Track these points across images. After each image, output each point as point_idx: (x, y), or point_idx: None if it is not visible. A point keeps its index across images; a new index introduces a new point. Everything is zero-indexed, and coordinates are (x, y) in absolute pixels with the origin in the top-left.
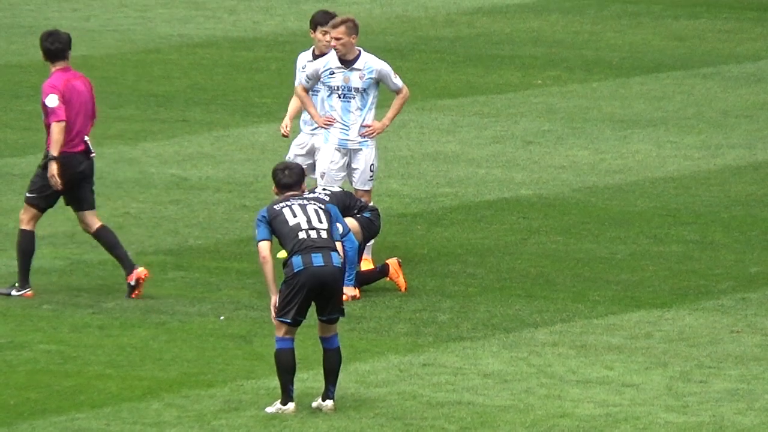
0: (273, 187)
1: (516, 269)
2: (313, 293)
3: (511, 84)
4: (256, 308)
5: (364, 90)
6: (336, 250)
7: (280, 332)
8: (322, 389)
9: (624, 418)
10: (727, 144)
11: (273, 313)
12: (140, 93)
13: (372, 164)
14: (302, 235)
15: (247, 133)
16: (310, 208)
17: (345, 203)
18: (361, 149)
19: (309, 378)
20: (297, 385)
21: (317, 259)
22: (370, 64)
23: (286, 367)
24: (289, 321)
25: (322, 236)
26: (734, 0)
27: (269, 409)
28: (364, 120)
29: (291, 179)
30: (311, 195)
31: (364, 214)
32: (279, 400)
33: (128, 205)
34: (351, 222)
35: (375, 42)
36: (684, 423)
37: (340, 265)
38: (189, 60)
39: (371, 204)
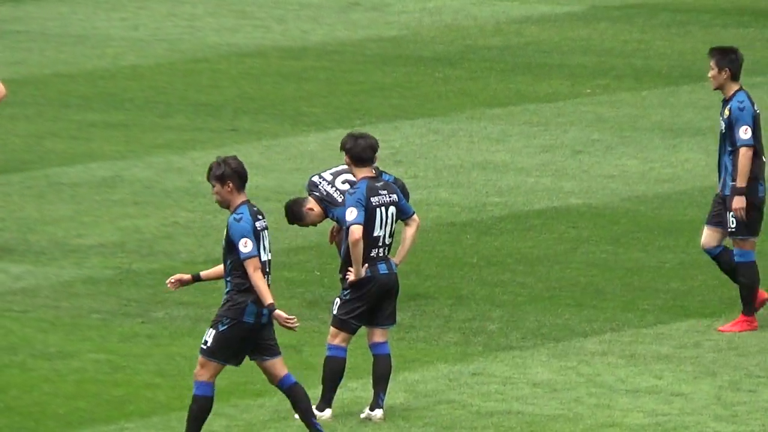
0: (347, 157)
1: (565, 278)
2: (377, 300)
3: (561, 93)
4: (305, 317)
5: None
6: (391, 258)
7: (336, 339)
8: (371, 398)
9: (673, 428)
10: None
11: (348, 284)
12: (189, 102)
13: None
14: (374, 253)
15: (296, 143)
16: (389, 213)
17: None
18: None
19: (358, 387)
20: (346, 395)
21: (382, 267)
22: None
23: (334, 374)
24: (348, 325)
25: (386, 252)
26: None
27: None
28: None
29: (368, 152)
30: (388, 186)
31: None
32: (314, 406)
33: (177, 214)
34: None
35: (424, 51)
36: None
37: (397, 271)
38: (238, 69)
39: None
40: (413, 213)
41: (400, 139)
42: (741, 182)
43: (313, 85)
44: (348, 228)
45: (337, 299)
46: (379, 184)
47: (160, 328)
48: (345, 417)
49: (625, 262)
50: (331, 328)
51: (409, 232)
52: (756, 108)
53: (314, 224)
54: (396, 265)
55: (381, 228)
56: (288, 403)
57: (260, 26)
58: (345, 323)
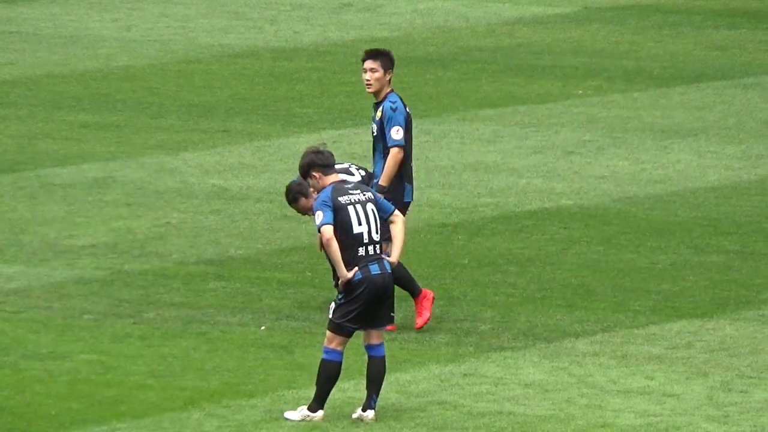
0: (314, 174)
1: (557, 279)
2: (371, 302)
3: (552, 94)
4: (297, 318)
5: None
6: (384, 258)
7: (332, 343)
8: (364, 399)
9: (665, 428)
10: None
11: (340, 288)
12: (181, 103)
13: None
14: (362, 251)
15: (288, 143)
16: (369, 210)
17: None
18: None
19: (350, 388)
20: (338, 395)
21: (374, 268)
22: None
23: (328, 378)
24: (345, 328)
25: (377, 250)
26: None
27: (292, 415)
28: None
29: (330, 159)
30: (360, 186)
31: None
32: (305, 406)
33: (169, 215)
34: None
35: (416, 52)
36: None
37: (391, 271)
38: (230, 70)
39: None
40: (394, 209)
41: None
42: (384, 181)
43: (305, 86)
44: (320, 232)
45: (333, 303)
46: (348, 186)
47: (152, 329)
48: (337, 418)
49: (617, 262)
50: (328, 332)
51: (396, 228)
52: (408, 110)
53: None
54: (391, 264)
55: (361, 224)
56: (281, 404)
57: (252, 27)
58: (341, 327)
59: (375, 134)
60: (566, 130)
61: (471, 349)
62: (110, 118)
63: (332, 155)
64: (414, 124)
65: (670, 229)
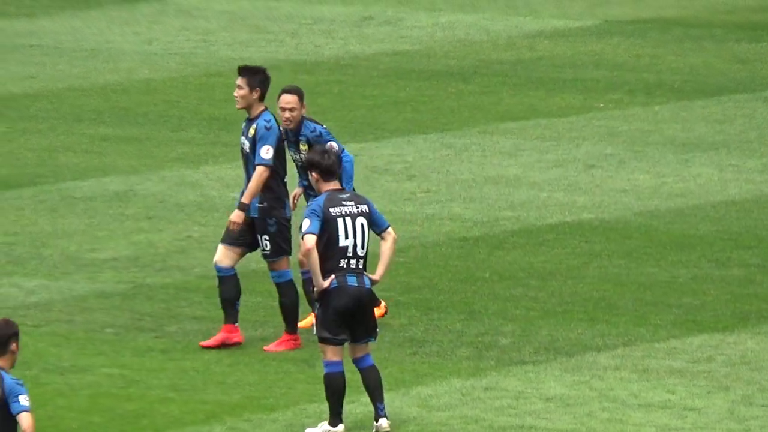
0: (313, 173)
1: (578, 293)
2: (347, 313)
3: (573, 107)
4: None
5: None
6: (366, 274)
7: (327, 355)
8: (374, 411)
9: None
10: None
11: (315, 296)
12: (202, 116)
13: None
14: (343, 263)
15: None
16: (359, 224)
17: None
18: None
19: (371, 402)
20: (360, 409)
21: (351, 279)
22: None
23: (336, 390)
24: (327, 338)
25: (360, 266)
26: None
27: (313, 431)
28: None
29: (336, 164)
30: (356, 198)
31: None
32: (326, 421)
33: (190, 228)
34: None
35: (437, 66)
36: None
37: (370, 287)
38: None
39: None
40: (388, 226)
41: (413, 154)
42: (247, 198)
43: (326, 100)
44: (302, 240)
45: (313, 315)
46: (343, 196)
47: (174, 343)
48: (358, 431)
49: (638, 276)
50: (319, 345)
51: (385, 246)
52: (282, 129)
53: None
54: (372, 281)
55: (347, 238)
56: (302, 418)
57: (273, 40)
58: (326, 338)
59: (246, 151)
60: (587, 144)
61: (492, 363)
62: (131, 131)
63: (339, 161)
64: (434, 138)
65: (691, 243)
